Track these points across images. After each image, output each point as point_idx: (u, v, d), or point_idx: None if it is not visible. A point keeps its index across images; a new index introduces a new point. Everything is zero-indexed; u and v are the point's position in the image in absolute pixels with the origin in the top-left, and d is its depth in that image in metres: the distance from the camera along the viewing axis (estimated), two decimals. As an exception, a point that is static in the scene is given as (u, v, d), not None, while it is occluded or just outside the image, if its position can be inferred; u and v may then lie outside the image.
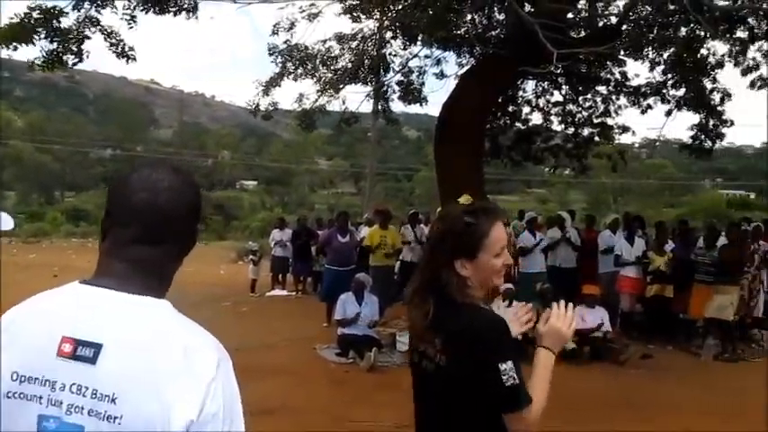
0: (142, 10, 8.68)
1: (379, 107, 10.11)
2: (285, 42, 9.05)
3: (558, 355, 2.18)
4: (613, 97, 13.75)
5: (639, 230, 11.26)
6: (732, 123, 12.71)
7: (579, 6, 10.59)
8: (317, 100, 9.47)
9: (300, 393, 7.17)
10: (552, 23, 6.07)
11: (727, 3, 9.48)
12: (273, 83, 9.28)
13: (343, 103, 9.66)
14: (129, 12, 8.60)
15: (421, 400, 2.19)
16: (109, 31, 8.79)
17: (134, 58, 8.94)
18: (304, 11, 8.64)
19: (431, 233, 2.30)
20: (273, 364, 8.06)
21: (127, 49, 8.88)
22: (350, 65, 9.30)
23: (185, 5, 8.90)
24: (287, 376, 7.74)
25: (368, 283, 9.15)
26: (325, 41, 9.33)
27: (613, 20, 10.28)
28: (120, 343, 1.19)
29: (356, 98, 10.60)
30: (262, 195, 62.45)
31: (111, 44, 8.75)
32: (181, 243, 1.35)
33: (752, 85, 12.61)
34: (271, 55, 8.91)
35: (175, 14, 8.93)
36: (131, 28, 8.60)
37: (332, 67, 9.24)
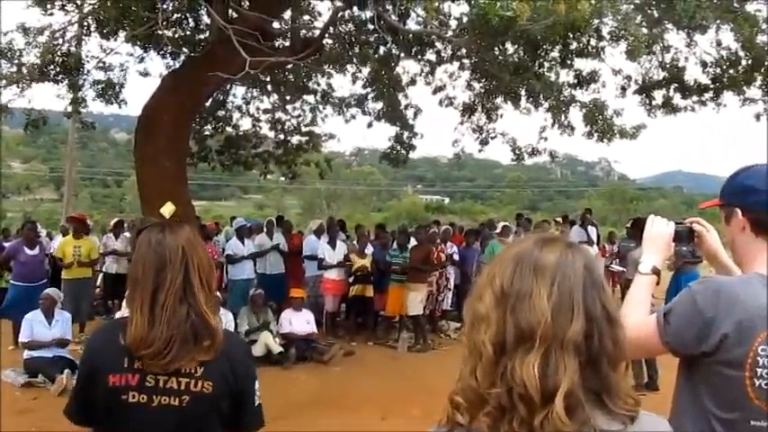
0: None
1: (70, 108, 9.22)
2: None
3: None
4: (320, 107, 14.30)
5: (342, 234, 11.87)
6: (422, 136, 14.03)
7: (285, 17, 10.80)
8: (-4, 97, 8.37)
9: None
10: (248, 31, 6.13)
11: (418, 27, 10.38)
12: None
13: (29, 102, 8.66)
14: None
15: None
16: None
17: None
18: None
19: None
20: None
21: None
22: (38, 60, 8.37)
23: None
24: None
25: (59, 298, 8.35)
26: (6, 33, 8.28)
27: (316, 33, 10.66)
28: None
29: (46, 98, 9.52)
30: (-60, 204, 53.98)
31: None
32: None
33: (440, 103, 13.99)
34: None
35: None
36: None
37: (15, 62, 8.23)
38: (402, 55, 12.71)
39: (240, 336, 8.89)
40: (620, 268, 8.24)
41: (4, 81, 7.98)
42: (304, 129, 14.44)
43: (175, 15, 9.88)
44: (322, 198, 54.23)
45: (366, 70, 13.09)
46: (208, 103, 11.95)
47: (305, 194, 54.55)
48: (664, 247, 2.13)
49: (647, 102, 13.16)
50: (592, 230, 14.17)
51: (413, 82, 13.69)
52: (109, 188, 61.87)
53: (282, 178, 15.91)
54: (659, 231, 2.13)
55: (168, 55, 10.31)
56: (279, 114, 14.33)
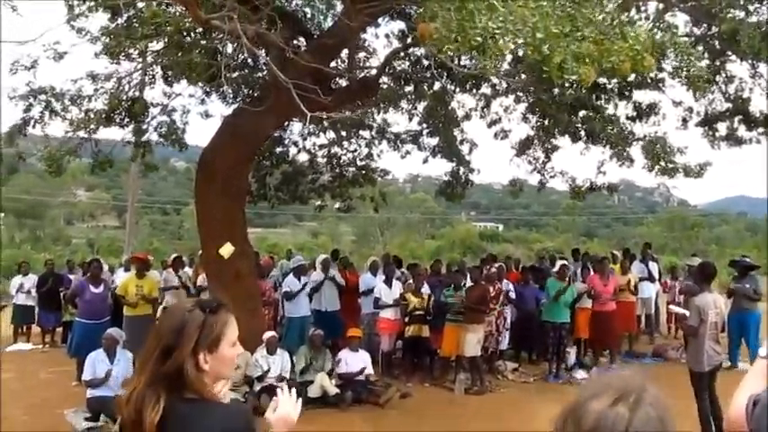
0: None
1: (138, 152, 9.50)
2: (28, 84, 8.25)
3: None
4: (375, 142, 14.40)
5: (397, 271, 11.82)
6: (479, 171, 14.00)
7: (341, 57, 10.93)
8: (66, 142, 8.68)
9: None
10: (306, 85, 6.23)
11: (472, 63, 10.39)
12: (20, 130, 8.41)
13: (96, 145, 8.94)
14: None
15: None
16: None
17: None
18: (48, 49, 7.91)
19: (160, 328, 2.13)
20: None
21: None
22: (105, 106, 8.67)
23: None
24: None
25: (120, 338, 8.51)
26: (75, 81, 8.60)
27: (373, 72, 10.77)
28: None
29: (113, 139, 9.83)
30: (11, 230, 56.11)
31: None
32: None
33: (495, 135, 13.93)
34: (11, 99, 8.03)
35: None
36: None
37: (83, 108, 8.53)
38: (457, 90, 12.74)
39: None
40: (683, 311, 7.95)
41: (77, 126, 8.27)
42: (359, 163, 14.55)
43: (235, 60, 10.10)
44: (376, 226, 54.41)
45: (421, 106, 13.15)
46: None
47: (359, 222, 54.83)
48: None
49: (711, 134, 12.82)
50: (653, 266, 13.78)
51: (468, 117, 13.69)
52: (168, 215, 63.32)
53: (337, 205, 16.03)
54: None
55: (229, 98, 10.54)
56: (335, 149, 14.49)
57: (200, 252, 10.79)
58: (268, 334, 8.97)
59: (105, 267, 13.01)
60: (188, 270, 12.74)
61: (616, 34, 4.73)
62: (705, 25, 11.08)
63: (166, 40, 7.69)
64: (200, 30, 7.43)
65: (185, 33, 7.50)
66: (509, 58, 10.75)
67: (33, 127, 8.43)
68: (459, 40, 4.28)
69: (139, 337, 9.96)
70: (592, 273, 11.60)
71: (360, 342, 9.79)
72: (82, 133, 8.52)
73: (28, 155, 9.41)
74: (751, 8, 10.24)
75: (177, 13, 7.10)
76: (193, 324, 2.02)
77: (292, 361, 9.23)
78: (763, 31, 9.52)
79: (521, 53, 4.52)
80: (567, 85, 9.67)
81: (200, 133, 10.26)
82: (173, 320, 2.08)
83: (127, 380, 8.29)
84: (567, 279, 10.72)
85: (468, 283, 10.57)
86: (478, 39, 4.23)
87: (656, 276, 13.81)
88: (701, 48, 10.98)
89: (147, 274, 10.67)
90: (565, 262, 11.48)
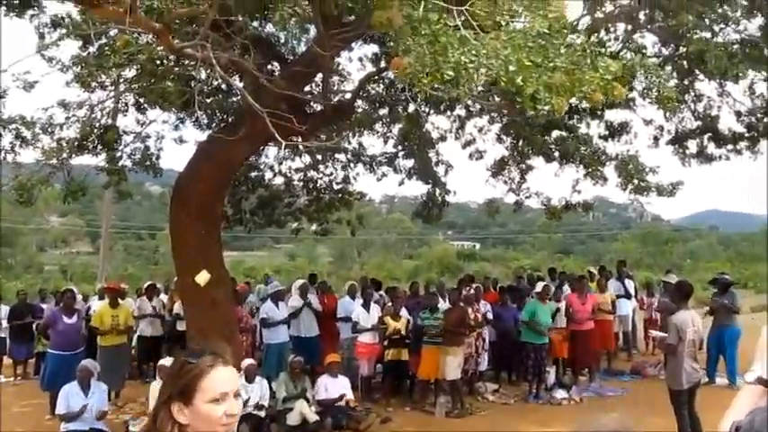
0: None
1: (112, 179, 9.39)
2: None
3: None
4: (351, 165, 14.40)
5: (376, 294, 11.76)
6: (455, 193, 14.06)
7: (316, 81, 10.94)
8: (38, 171, 8.56)
9: None
10: (281, 113, 6.22)
11: (445, 89, 10.45)
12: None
13: (68, 174, 8.83)
14: None
15: None
16: None
17: None
18: (18, 79, 7.83)
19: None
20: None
21: None
22: (77, 134, 8.58)
23: None
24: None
25: (95, 369, 8.36)
26: (46, 109, 8.52)
27: (348, 96, 10.78)
28: None
29: (86, 165, 9.71)
30: (-21, 258, 55.10)
31: None
32: None
33: (470, 156, 14.00)
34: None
35: None
36: None
37: (55, 137, 8.44)
38: (431, 112, 12.81)
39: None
40: (662, 334, 8.01)
41: (48, 155, 8.17)
42: (336, 187, 14.52)
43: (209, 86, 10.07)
44: (353, 247, 54.33)
45: (396, 128, 13.20)
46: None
47: (336, 243, 54.68)
48: None
49: (681, 151, 13.03)
50: (629, 283, 13.88)
51: (443, 138, 13.77)
52: (143, 240, 62.64)
53: (314, 228, 15.96)
54: None
55: (203, 124, 10.49)
56: (311, 173, 14.46)
57: (176, 278, 10.67)
58: (246, 362, 8.86)
59: (79, 297, 12.80)
60: (163, 297, 12.58)
61: (587, 64, 4.80)
62: (673, 46, 11.30)
63: (139, 68, 7.64)
64: (173, 57, 7.38)
65: (158, 62, 7.45)
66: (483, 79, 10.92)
67: (4, 158, 8.31)
68: (431, 73, 4.30)
69: (115, 368, 9.87)
70: (569, 291, 11.66)
71: (339, 367, 9.71)
72: (54, 161, 8.39)
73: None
74: (717, 29, 10.48)
75: (149, 42, 7.07)
76: (172, 371, 1.96)
77: (271, 388, 9.13)
78: (730, 52, 9.74)
79: (493, 84, 4.54)
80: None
81: (174, 157, 10.18)
82: (172, 368, 2.01)
83: (101, 413, 8.15)
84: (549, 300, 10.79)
85: (446, 305, 10.55)
86: (451, 73, 4.26)
87: (633, 293, 13.90)
88: (669, 68, 11.19)
89: (121, 303, 10.52)
90: (546, 283, 11.48)
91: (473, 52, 4.36)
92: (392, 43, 4.87)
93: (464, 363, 10.21)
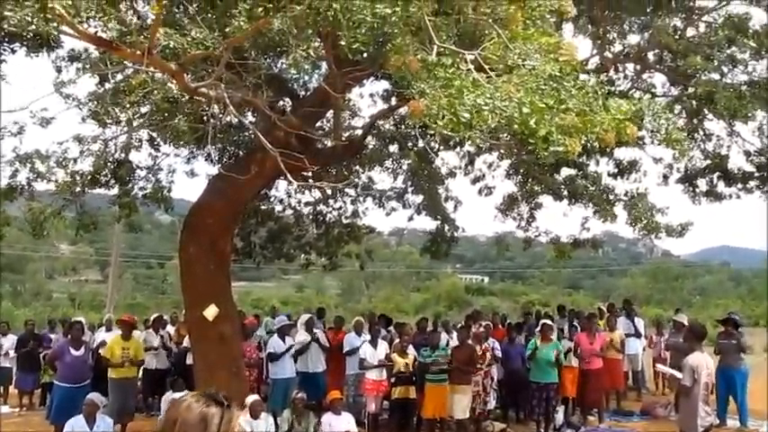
0: None
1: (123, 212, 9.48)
2: (14, 149, 8.31)
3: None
4: (360, 199, 14.46)
5: (383, 331, 11.70)
6: (464, 230, 14.09)
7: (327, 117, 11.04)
8: (51, 203, 8.66)
9: None
10: (291, 153, 6.30)
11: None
12: (6, 196, 8.42)
13: (81, 207, 8.92)
14: None
15: None
16: None
17: None
18: (35, 116, 7.98)
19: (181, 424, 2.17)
20: None
21: None
22: (90, 168, 8.69)
23: None
24: None
25: (101, 403, 8.35)
26: (61, 143, 8.65)
27: (358, 132, 10.89)
28: None
29: (97, 193, 9.82)
30: (-10, 284, 55.20)
31: None
32: None
33: (479, 192, 14.05)
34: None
35: None
36: None
37: (69, 170, 8.55)
38: (441, 148, 12.89)
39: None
40: (671, 371, 7.93)
41: (62, 188, 8.27)
42: (345, 221, 14.57)
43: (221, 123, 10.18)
44: (361, 279, 54.18)
45: (405, 164, 13.28)
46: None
47: (344, 276, 54.52)
48: None
49: (691, 190, 13.02)
50: (638, 321, 13.77)
51: (452, 174, 13.82)
52: (152, 269, 62.77)
53: (322, 260, 15.96)
54: None
55: (215, 159, 10.60)
56: (321, 207, 14.52)
57: (183, 310, 10.66)
58: (252, 398, 8.81)
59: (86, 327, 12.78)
60: (170, 329, 12.56)
61: (599, 105, 4.85)
62: (682, 86, 11.38)
63: (153, 105, 7.77)
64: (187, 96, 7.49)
65: (172, 100, 7.57)
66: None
67: (21, 194, 8.43)
68: (448, 116, 4.37)
69: (123, 401, 9.84)
70: (579, 330, 11.57)
71: (343, 404, 9.63)
72: (67, 195, 8.49)
73: (12, 215, 9.38)
74: (725, 69, 10.55)
75: (164, 81, 7.19)
76: (215, 419, 2.15)
77: (277, 424, 9.07)
78: (739, 92, 9.79)
79: (507, 126, 4.60)
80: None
81: (185, 188, 10.30)
82: (192, 415, 2.16)
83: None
84: (552, 338, 10.69)
85: (455, 342, 10.49)
86: (467, 115, 4.32)
87: (642, 332, 13.78)
88: (678, 107, 11.25)
89: (132, 336, 10.51)
90: (548, 321, 11.36)
91: (487, 95, 4.43)
92: (406, 85, 4.94)
93: (472, 401, 10.11)
